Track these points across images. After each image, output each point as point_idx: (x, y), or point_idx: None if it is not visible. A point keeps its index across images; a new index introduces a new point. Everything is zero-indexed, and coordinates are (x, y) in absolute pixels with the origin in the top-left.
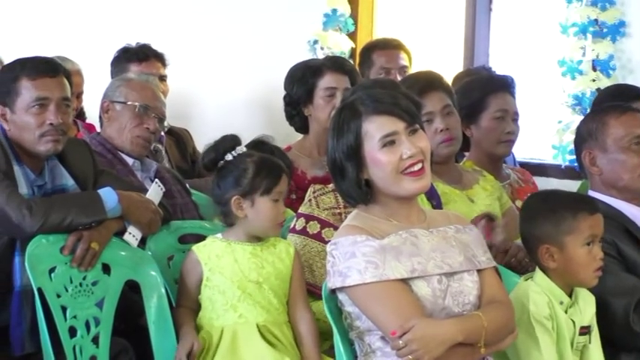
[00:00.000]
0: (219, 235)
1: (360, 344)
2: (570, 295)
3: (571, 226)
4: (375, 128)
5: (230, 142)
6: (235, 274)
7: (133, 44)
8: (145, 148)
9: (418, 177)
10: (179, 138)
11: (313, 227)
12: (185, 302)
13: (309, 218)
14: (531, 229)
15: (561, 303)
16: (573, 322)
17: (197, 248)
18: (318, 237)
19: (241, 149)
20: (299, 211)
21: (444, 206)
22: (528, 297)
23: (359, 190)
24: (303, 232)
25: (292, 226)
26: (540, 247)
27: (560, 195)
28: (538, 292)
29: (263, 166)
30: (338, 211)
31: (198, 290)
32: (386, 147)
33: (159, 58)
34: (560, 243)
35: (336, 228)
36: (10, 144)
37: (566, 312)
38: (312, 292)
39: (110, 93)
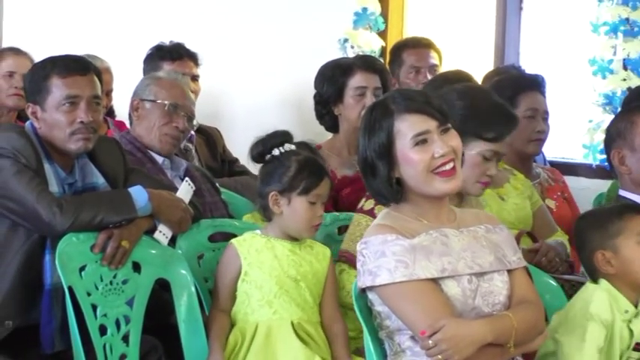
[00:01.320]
0: (258, 231)
1: (389, 343)
2: (636, 305)
3: (619, 227)
4: (407, 127)
5: (280, 137)
6: (274, 269)
7: (167, 43)
8: (174, 146)
9: (449, 177)
10: (209, 137)
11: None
12: (220, 303)
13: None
14: (584, 244)
15: (626, 312)
16: (631, 332)
17: (237, 242)
18: None
19: (289, 147)
20: (367, 192)
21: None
22: (592, 297)
23: (390, 189)
24: (371, 212)
25: (360, 206)
26: (595, 254)
27: (603, 206)
28: (604, 296)
29: (306, 166)
30: None
31: (235, 285)
32: (418, 145)
33: (192, 57)
34: (613, 246)
35: None
36: (41, 142)
37: (630, 321)
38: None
39: (140, 91)
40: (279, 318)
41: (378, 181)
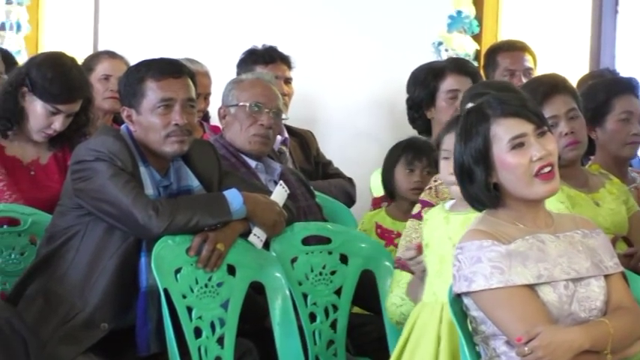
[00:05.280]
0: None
1: (484, 348)
2: None
3: None
4: (503, 131)
5: None
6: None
7: (259, 46)
8: (264, 144)
9: (549, 180)
10: (303, 140)
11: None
12: None
13: (425, 204)
14: None
15: None
16: None
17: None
18: None
19: None
20: (420, 197)
21: (570, 210)
22: None
23: (488, 194)
24: (418, 216)
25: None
26: None
27: None
28: None
29: None
30: None
31: None
32: (515, 149)
33: (285, 60)
34: None
35: None
36: (137, 145)
37: None
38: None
39: (224, 98)
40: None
41: (475, 186)
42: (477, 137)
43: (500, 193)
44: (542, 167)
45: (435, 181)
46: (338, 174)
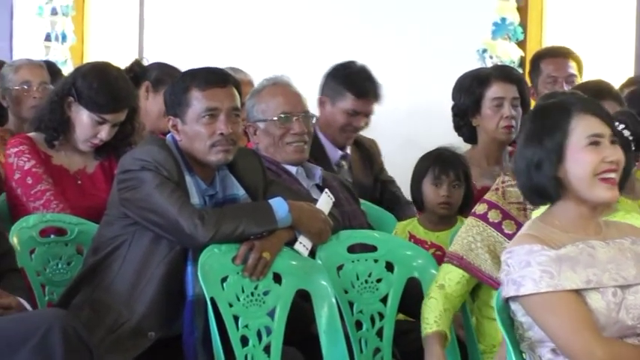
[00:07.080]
0: None
1: (530, 355)
2: None
3: None
4: (584, 125)
5: None
6: None
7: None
8: (301, 151)
9: (610, 185)
10: (366, 152)
11: (494, 216)
12: None
13: (492, 206)
14: None
15: None
16: None
17: None
18: (497, 227)
19: None
20: (484, 197)
21: (616, 215)
22: None
23: (552, 184)
24: (484, 217)
25: (473, 210)
26: None
27: None
28: None
29: None
30: (523, 206)
31: None
32: (591, 146)
33: None
34: None
35: (517, 222)
36: (182, 154)
37: None
38: (486, 281)
39: (250, 115)
40: None
41: (542, 175)
42: (554, 129)
43: (561, 189)
44: (609, 170)
45: (503, 182)
46: (396, 197)
